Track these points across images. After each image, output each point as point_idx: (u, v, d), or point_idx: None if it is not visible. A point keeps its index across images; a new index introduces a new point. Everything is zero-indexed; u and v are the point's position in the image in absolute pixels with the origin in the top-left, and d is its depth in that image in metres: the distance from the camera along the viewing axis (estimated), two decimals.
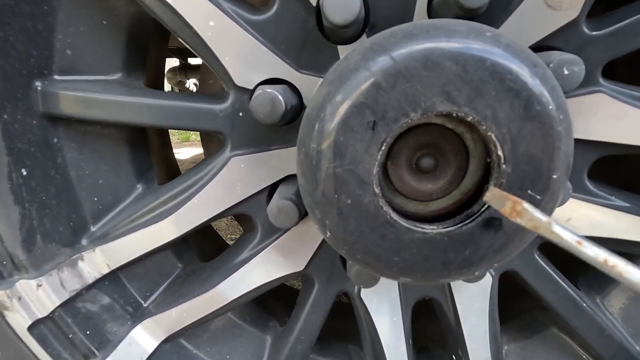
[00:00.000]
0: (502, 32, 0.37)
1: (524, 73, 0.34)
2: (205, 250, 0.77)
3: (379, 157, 0.37)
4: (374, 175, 0.38)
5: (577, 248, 0.31)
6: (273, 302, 0.79)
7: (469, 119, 0.35)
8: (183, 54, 2.29)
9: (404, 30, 0.36)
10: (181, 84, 2.99)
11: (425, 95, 0.35)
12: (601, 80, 0.50)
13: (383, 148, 0.37)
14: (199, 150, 3.96)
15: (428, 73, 0.34)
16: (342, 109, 0.36)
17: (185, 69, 2.62)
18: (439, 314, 0.64)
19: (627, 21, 0.47)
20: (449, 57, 0.34)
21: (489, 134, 0.36)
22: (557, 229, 0.31)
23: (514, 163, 0.36)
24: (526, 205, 0.33)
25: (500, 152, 0.36)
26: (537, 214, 0.32)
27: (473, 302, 0.60)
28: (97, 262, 0.57)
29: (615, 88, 0.50)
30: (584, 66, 0.44)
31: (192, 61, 2.53)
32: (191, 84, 3.15)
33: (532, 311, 0.70)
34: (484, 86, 0.34)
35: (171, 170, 0.86)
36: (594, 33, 0.48)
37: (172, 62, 2.82)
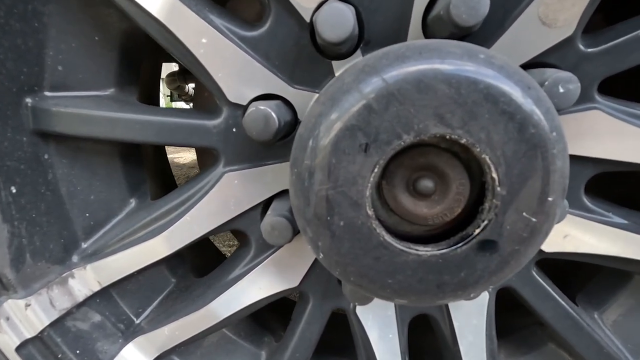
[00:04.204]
0: (495, 54, 0.36)
1: (517, 95, 0.34)
2: (199, 263, 0.76)
3: (371, 179, 0.37)
4: (367, 197, 0.37)
5: None
6: (269, 315, 0.78)
7: (463, 141, 0.35)
8: None
9: (396, 52, 0.36)
10: (180, 88, 2.98)
11: (418, 118, 0.34)
12: (597, 97, 0.49)
13: (376, 170, 0.36)
14: None
15: (421, 95, 0.34)
16: (334, 131, 0.36)
17: (185, 74, 2.62)
18: (435, 331, 0.63)
19: (622, 38, 0.46)
20: (442, 80, 0.34)
21: (483, 156, 0.35)
22: None
23: (509, 185, 0.36)
24: None
25: (494, 175, 0.36)
26: None
27: (470, 319, 0.59)
28: (88, 279, 0.56)
29: (611, 105, 0.49)
30: (579, 84, 0.44)
31: None
32: (190, 88, 3.15)
33: (530, 327, 0.69)
34: (478, 109, 0.34)
35: (167, 181, 0.85)
36: (590, 50, 0.47)
37: (171, 67, 2.82)
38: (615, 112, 0.49)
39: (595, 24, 0.61)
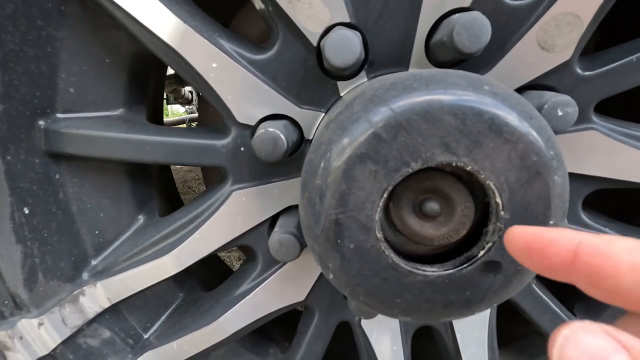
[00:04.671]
0: (499, 84, 0.38)
1: (520, 125, 0.35)
2: (205, 274, 0.77)
3: (380, 203, 0.38)
4: (376, 221, 0.38)
5: None
6: (273, 326, 0.79)
7: (468, 168, 0.36)
8: None
9: (404, 83, 0.37)
10: (176, 91, 2.98)
11: (425, 147, 0.36)
12: (594, 117, 0.51)
13: (385, 195, 0.38)
14: None
15: (428, 126, 0.35)
16: (344, 158, 0.37)
17: (181, 77, 2.59)
18: (438, 342, 0.65)
19: (617, 63, 0.48)
20: (448, 111, 0.35)
21: (487, 182, 0.37)
22: None
23: (512, 210, 0.37)
24: None
25: (498, 199, 0.37)
26: None
27: (472, 330, 0.61)
28: (98, 296, 0.57)
29: (608, 125, 0.51)
30: (577, 107, 0.46)
31: None
32: (186, 91, 3.15)
33: (529, 336, 0.71)
34: (482, 138, 0.35)
35: (172, 195, 0.86)
36: (587, 73, 0.49)
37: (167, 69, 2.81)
38: (611, 132, 0.51)
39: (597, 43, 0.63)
